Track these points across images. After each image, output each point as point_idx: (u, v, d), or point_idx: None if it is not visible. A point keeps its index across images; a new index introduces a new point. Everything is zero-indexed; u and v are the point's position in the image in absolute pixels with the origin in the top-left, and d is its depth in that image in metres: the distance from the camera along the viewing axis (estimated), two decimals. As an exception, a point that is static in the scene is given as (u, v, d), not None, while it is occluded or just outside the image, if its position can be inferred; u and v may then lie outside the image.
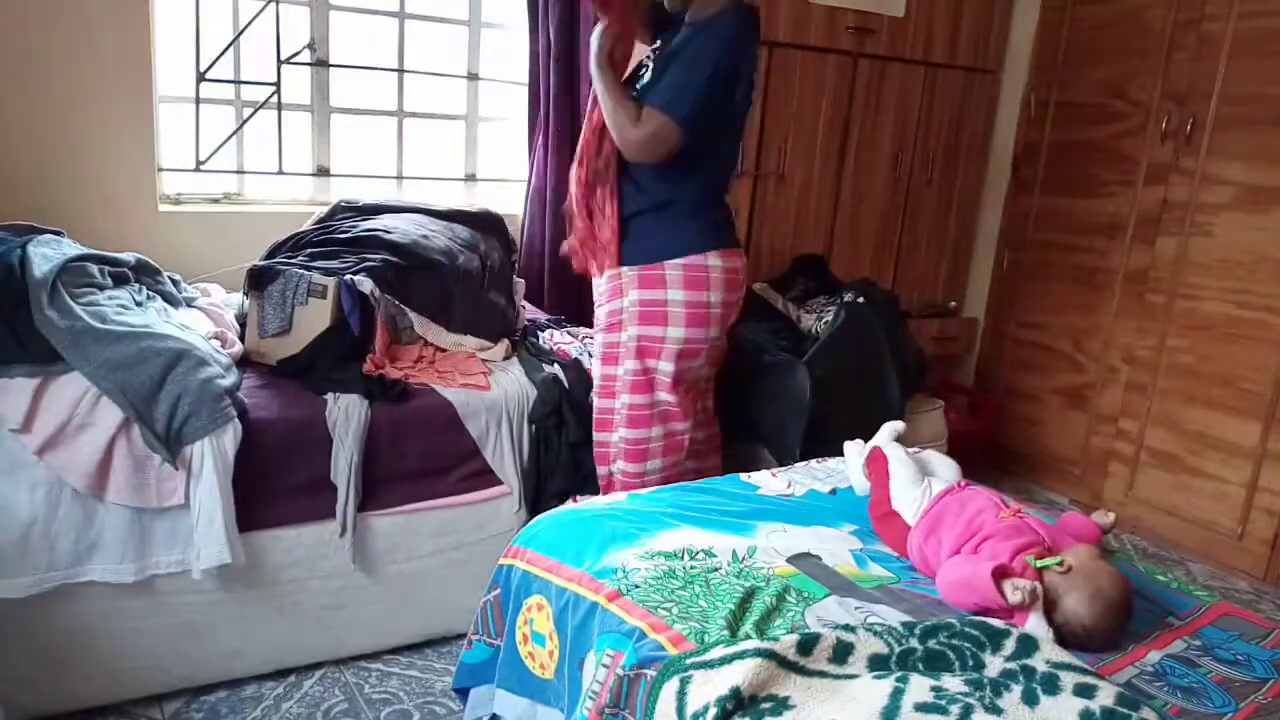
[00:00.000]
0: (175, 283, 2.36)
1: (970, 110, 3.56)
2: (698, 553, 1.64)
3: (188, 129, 2.71)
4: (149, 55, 2.56)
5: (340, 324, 2.29)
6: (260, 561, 2.07)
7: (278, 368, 2.28)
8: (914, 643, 1.35)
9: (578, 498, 2.19)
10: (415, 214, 2.63)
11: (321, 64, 2.89)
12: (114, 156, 2.56)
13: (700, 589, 1.53)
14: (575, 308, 3.04)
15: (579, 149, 2.28)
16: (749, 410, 2.63)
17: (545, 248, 3.03)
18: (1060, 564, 1.52)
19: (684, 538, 1.69)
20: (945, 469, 1.93)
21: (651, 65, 2.23)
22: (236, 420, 1.98)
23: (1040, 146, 3.66)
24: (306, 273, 2.30)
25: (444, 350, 2.46)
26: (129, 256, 2.22)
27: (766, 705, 1.23)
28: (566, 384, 2.42)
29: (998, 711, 1.23)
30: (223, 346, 2.20)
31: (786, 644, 1.30)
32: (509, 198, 3.21)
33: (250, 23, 2.71)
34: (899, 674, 1.29)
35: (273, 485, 2.07)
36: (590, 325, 2.85)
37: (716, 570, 1.59)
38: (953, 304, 3.76)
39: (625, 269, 2.24)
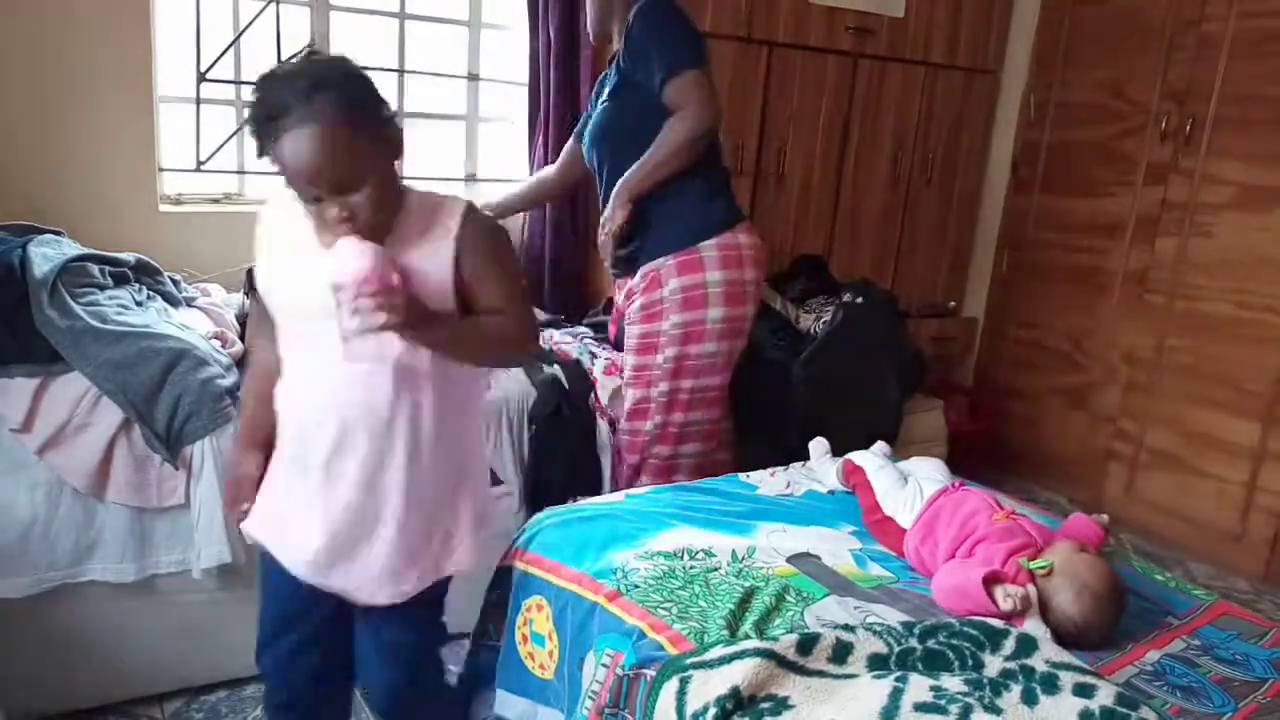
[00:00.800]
0: (175, 283, 2.36)
1: (970, 110, 3.56)
2: (697, 552, 1.64)
3: (188, 129, 2.71)
4: (149, 55, 2.56)
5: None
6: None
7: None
8: (913, 642, 1.36)
9: (578, 498, 2.19)
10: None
11: (322, 64, 2.89)
12: (114, 156, 2.56)
13: (699, 588, 1.53)
14: (575, 308, 3.04)
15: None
16: (745, 410, 2.62)
17: (545, 248, 3.03)
18: (1048, 565, 1.51)
19: (683, 538, 1.70)
20: (931, 469, 1.93)
21: (611, 84, 2.29)
22: (237, 420, 1.98)
23: (1040, 147, 3.66)
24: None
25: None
26: (129, 256, 2.22)
27: (766, 705, 1.23)
28: (566, 384, 2.42)
29: (997, 711, 1.23)
30: (223, 346, 2.20)
31: (786, 644, 1.31)
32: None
33: (251, 23, 2.71)
34: (898, 674, 1.29)
35: (273, 485, 2.07)
36: (587, 324, 2.87)
37: (716, 570, 1.59)
38: (952, 304, 3.76)
39: (660, 260, 2.24)
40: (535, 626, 1.65)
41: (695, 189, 2.23)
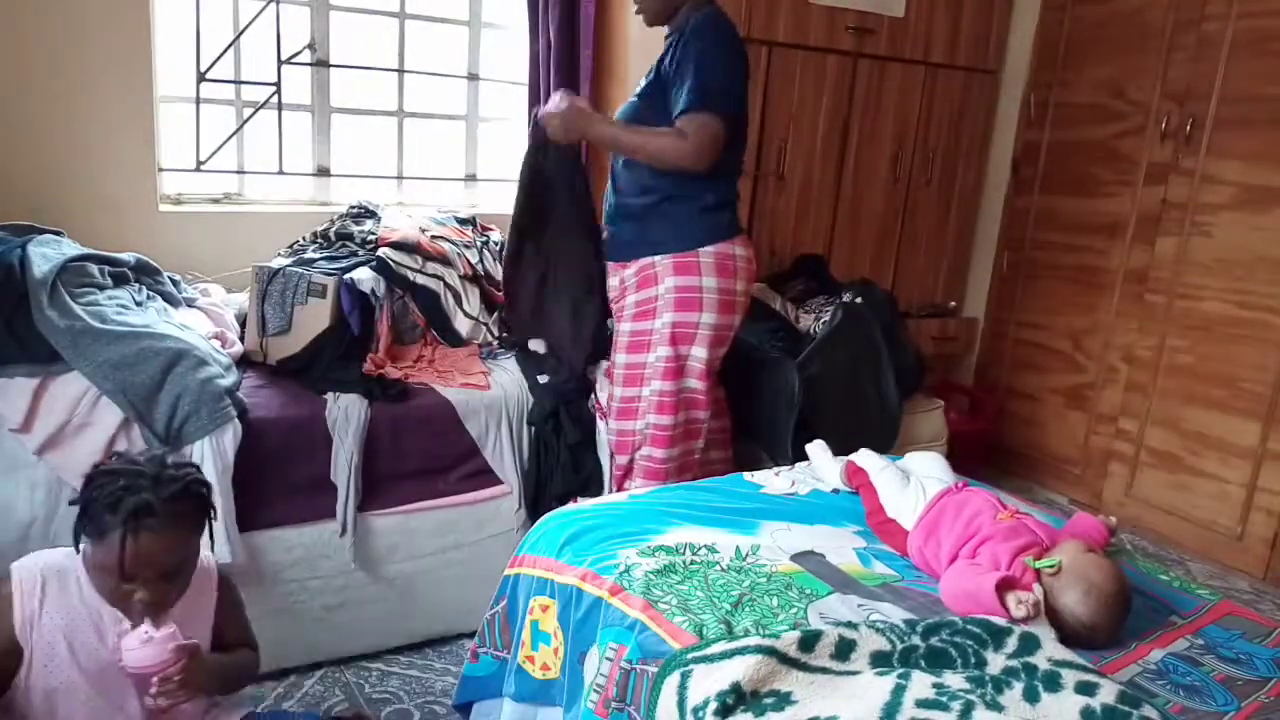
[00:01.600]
0: (175, 283, 2.36)
1: (970, 110, 3.56)
2: (699, 548, 1.64)
3: (188, 129, 2.71)
4: (149, 55, 2.56)
5: (340, 323, 2.28)
6: (260, 561, 2.06)
7: (277, 367, 2.28)
8: (916, 640, 1.35)
9: (578, 499, 2.18)
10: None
11: (322, 64, 2.89)
12: (114, 156, 2.56)
13: (699, 582, 1.53)
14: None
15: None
16: (742, 409, 2.62)
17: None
18: (1055, 565, 1.51)
19: (686, 534, 1.69)
20: (933, 467, 1.93)
21: (645, 82, 2.28)
22: (236, 420, 1.98)
23: (1040, 146, 3.66)
24: (306, 272, 2.30)
25: (444, 348, 2.46)
26: (129, 256, 2.22)
27: (769, 700, 1.23)
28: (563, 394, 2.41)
29: (999, 708, 1.23)
30: (223, 346, 2.20)
31: (788, 640, 1.30)
32: (509, 198, 3.19)
33: (250, 23, 2.71)
34: (901, 670, 1.29)
35: (273, 485, 2.06)
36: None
37: (717, 565, 1.59)
38: (952, 304, 3.76)
39: (658, 258, 2.26)
40: (541, 626, 1.65)
41: (707, 197, 2.24)
